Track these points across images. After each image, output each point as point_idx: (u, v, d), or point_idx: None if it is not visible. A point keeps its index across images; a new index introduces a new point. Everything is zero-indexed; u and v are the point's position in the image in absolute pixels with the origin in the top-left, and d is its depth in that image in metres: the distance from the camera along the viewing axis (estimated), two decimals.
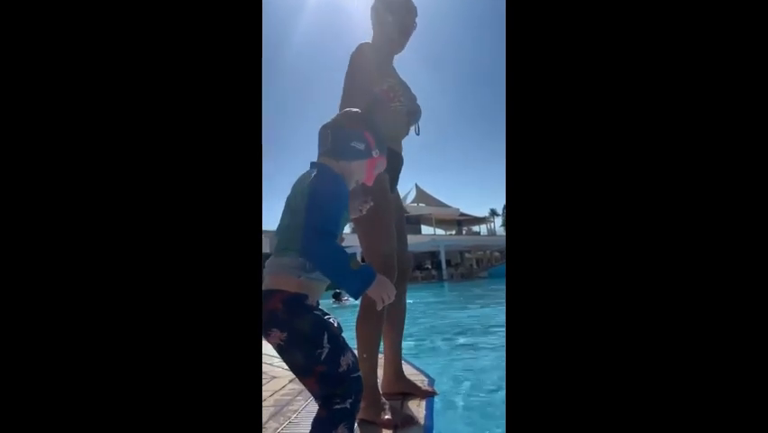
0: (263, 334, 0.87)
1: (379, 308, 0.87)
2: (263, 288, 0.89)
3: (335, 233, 0.86)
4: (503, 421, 1.27)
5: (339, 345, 0.86)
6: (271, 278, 0.90)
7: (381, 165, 1.02)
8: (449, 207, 29.29)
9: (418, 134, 1.63)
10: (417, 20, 1.61)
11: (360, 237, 1.49)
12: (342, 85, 1.46)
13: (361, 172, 0.99)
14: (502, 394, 1.64)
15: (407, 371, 1.71)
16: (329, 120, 1.01)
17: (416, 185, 29.85)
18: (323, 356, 0.84)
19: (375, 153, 0.98)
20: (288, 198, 0.94)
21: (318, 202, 0.87)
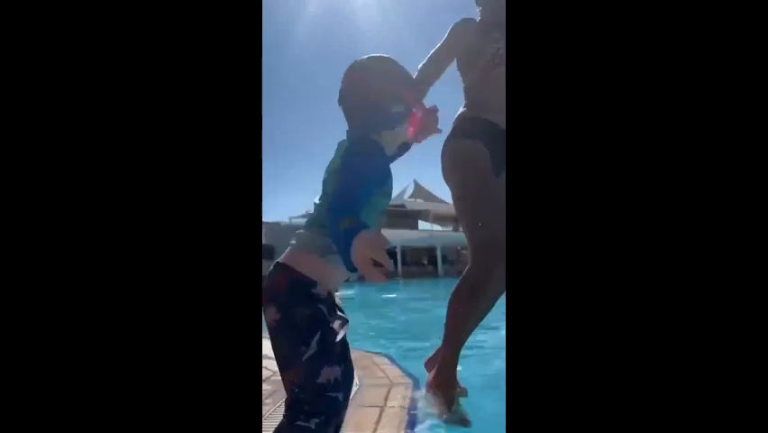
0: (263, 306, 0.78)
1: (370, 279, 0.67)
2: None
3: (354, 209, 0.76)
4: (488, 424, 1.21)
5: (328, 353, 0.75)
6: (288, 252, 0.82)
7: (425, 115, 0.88)
8: (447, 203, 29.27)
9: None
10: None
11: (461, 220, 1.37)
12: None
13: (404, 133, 0.87)
14: (490, 395, 1.55)
15: (392, 372, 1.62)
16: (353, 72, 0.85)
17: (414, 180, 29.79)
18: (304, 357, 0.73)
19: (415, 109, 0.86)
20: (326, 170, 0.84)
21: (347, 176, 0.77)
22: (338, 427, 0.77)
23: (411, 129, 0.88)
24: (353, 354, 1.40)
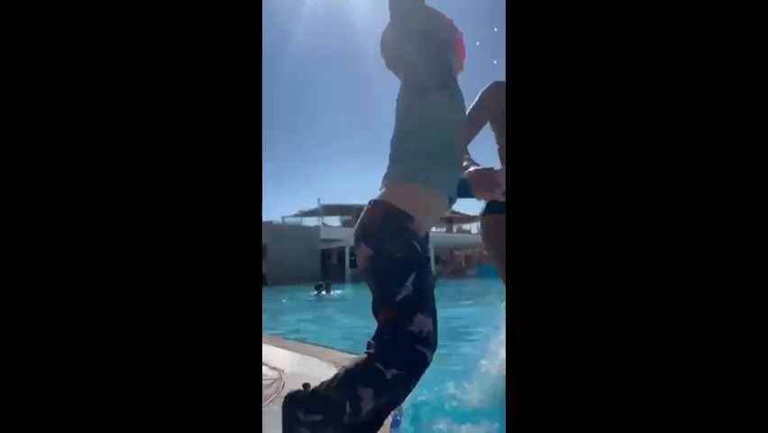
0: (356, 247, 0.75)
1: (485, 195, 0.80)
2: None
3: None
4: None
5: (423, 298, 0.69)
6: (382, 190, 0.78)
7: (489, 173, 0.91)
8: None
9: None
10: None
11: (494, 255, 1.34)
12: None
13: (458, 61, 0.86)
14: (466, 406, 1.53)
15: None
16: (386, 33, 0.85)
17: None
18: (398, 297, 0.67)
19: (457, 31, 0.85)
20: (396, 111, 0.84)
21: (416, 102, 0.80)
22: (408, 391, 0.69)
23: (461, 57, 0.87)
24: (337, 357, 1.37)
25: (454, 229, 30.93)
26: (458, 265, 25.18)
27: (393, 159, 0.81)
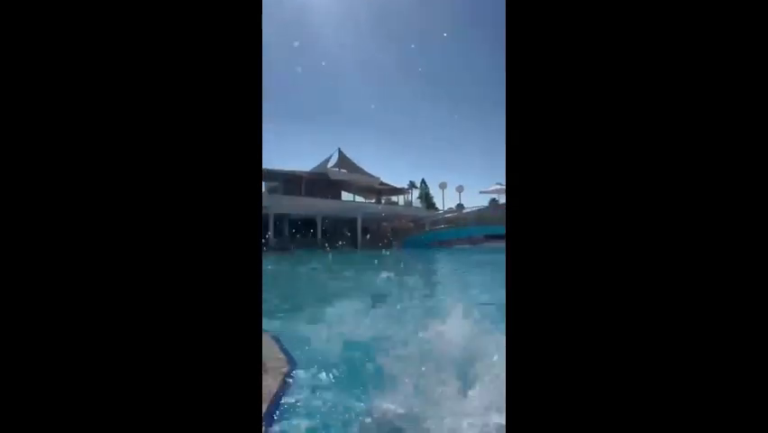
0: None
1: None
2: None
3: None
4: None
5: None
6: None
7: None
8: (371, 175, 29.39)
9: None
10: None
11: None
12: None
13: None
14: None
15: (268, 354, 1.53)
16: None
17: (338, 149, 29.36)
18: None
19: None
20: None
21: None
22: None
23: None
24: None
25: (383, 201, 31.41)
26: (384, 237, 25.76)
27: None
